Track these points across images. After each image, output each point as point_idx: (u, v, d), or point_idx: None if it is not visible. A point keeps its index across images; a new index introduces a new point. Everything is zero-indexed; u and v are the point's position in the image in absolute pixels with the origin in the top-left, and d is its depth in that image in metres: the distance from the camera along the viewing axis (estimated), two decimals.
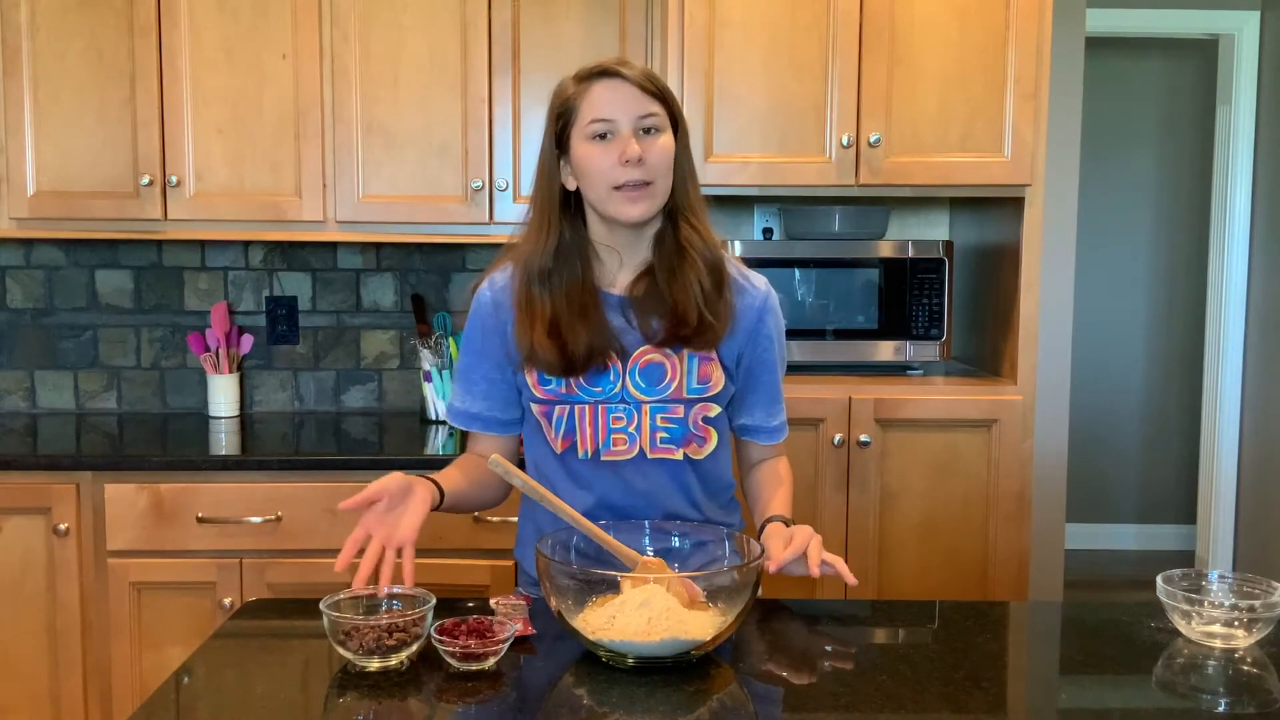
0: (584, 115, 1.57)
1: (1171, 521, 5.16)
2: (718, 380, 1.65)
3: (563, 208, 1.63)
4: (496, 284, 1.68)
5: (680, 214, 1.63)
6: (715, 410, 1.66)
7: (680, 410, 1.63)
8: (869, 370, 2.77)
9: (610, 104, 1.56)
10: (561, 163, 1.62)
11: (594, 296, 1.62)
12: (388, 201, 2.76)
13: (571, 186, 1.62)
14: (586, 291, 1.62)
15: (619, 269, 1.65)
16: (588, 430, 1.63)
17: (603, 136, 1.57)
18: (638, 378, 1.62)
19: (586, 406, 1.62)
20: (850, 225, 2.86)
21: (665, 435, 1.63)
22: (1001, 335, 2.75)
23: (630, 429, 1.63)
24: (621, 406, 1.62)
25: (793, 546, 1.53)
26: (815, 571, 1.53)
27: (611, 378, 1.62)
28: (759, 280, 1.71)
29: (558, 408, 1.63)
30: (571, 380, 1.61)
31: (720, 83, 2.56)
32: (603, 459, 1.64)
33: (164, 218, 2.74)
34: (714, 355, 1.64)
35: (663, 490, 1.65)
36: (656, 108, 1.58)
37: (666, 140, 1.58)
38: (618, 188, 1.56)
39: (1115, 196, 5.06)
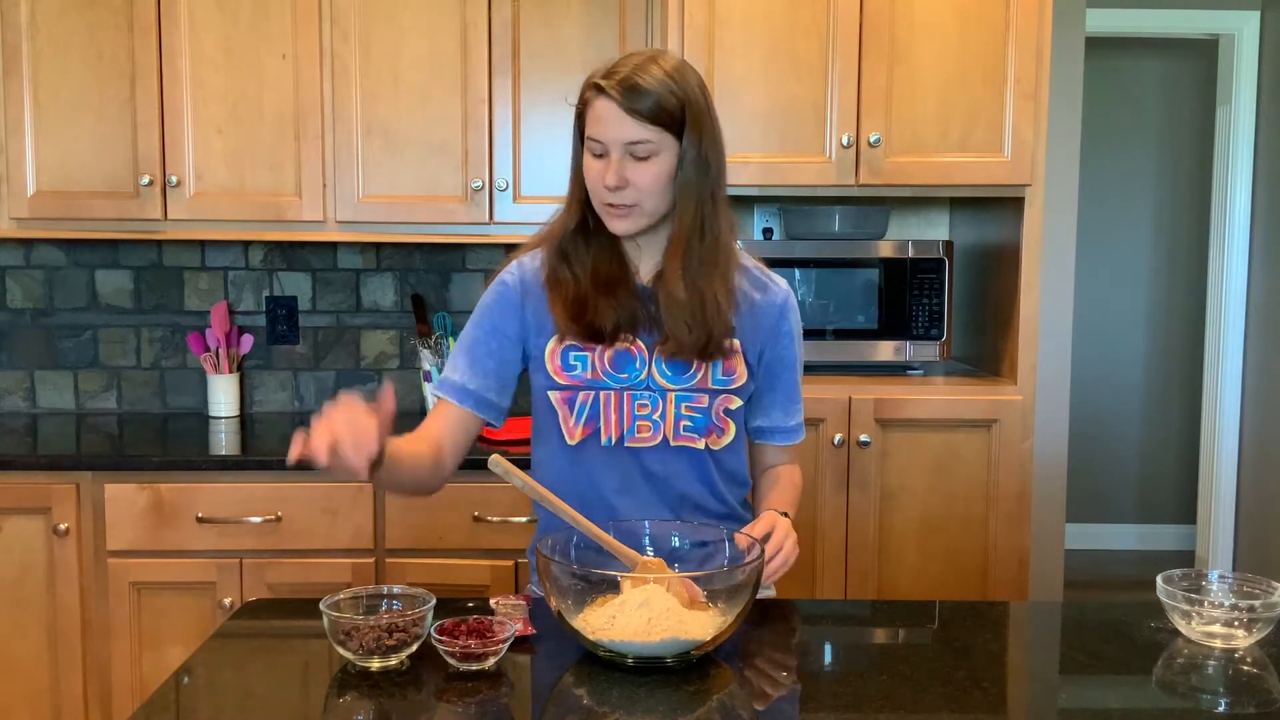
0: (587, 126, 1.59)
1: (1171, 521, 5.16)
2: (741, 373, 1.66)
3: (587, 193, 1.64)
4: (525, 266, 1.69)
5: (678, 234, 1.60)
6: (736, 403, 1.68)
7: (705, 400, 1.64)
8: (869, 370, 2.77)
9: (601, 125, 1.56)
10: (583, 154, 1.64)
11: (624, 272, 1.65)
12: (388, 201, 2.76)
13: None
14: (616, 266, 1.64)
15: (641, 258, 1.67)
16: (612, 416, 1.63)
17: (598, 155, 1.58)
18: (663, 366, 1.63)
19: (611, 393, 1.63)
20: (850, 225, 2.86)
21: (689, 424, 1.64)
22: (1001, 335, 2.75)
23: (655, 416, 1.64)
24: (646, 394, 1.63)
25: (758, 530, 1.55)
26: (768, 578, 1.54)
27: (637, 365, 1.63)
28: (780, 280, 1.74)
29: (581, 394, 1.63)
30: (597, 366, 1.62)
31: (720, 83, 2.56)
32: (626, 445, 1.64)
33: (164, 218, 2.74)
34: (738, 349, 1.66)
35: (684, 479, 1.66)
36: (648, 134, 1.54)
37: (656, 165, 1.56)
38: (606, 203, 1.59)
39: (1115, 196, 5.06)
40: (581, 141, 1.62)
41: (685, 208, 1.59)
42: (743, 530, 1.56)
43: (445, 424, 1.67)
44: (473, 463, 1.75)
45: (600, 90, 1.55)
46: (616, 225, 1.60)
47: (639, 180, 1.56)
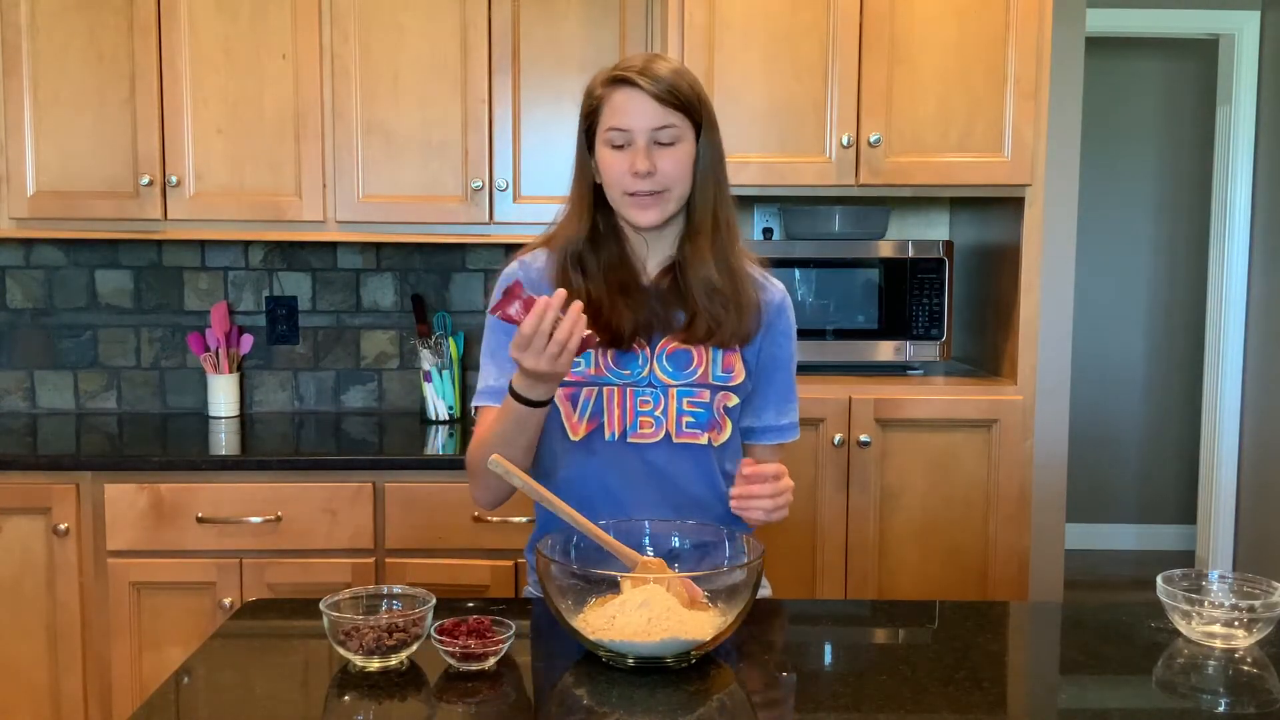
0: (604, 120, 1.61)
1: (1171, 521, 5.16)
2: (739, 372, 1.67)
3: (597, 197, 1.66)
4: (529, 266, 1.71)
5: (700, 221, 1.64)
6: (734, 401, 1.69)
7: (706, 395, 1.65)
8: (869, 370, 2.77)
9: (627, 114, 1.58)
10: (591, 158, 1.65)
11: (634, 275, 1.66)
12: (388, 201, 2.76)
13: (599, 180, 1.65)
14: (626, 270, 1.66)
15: (648, 257, 1.69)
16: (615, 412, 1.64)
17: (619, 145, 1.59)
18: (665, 363, 1.65)
19: (614, 389, 1.64)
20: (850, 225, 2.86)
21: (691, 420, 1.65)
22: (1001, 335, 2.75)
23: (657, 412, 1.65)
24: (649, 390, 1.64)
25: (756, 474, 1.51)
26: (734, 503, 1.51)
27: (640, 362, 1.64)
28: (777, 281, 1.77)
29: (585, 390, 1.64)
30: (600, 362, 1.63)
31: (720, 83, 2.56)
32: (629, 441, 1.65)
33: (164, 218, 2.74)
34: (736, 348, 1.67)
35: (687, 476, 1.67)
36: (674, 119, 1.59)
37: (682, 151, 1.60)
38: (630, 194, 1.60)
39: (1115, 196, 5.06)
40: (589, 146, 1.63)
41: (704, 193, 1.64)
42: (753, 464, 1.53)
43: None
44: None
45: (623, 81, 1.59)
46: (644, 216, 1.61)
47: (666, 166, 1.59)
